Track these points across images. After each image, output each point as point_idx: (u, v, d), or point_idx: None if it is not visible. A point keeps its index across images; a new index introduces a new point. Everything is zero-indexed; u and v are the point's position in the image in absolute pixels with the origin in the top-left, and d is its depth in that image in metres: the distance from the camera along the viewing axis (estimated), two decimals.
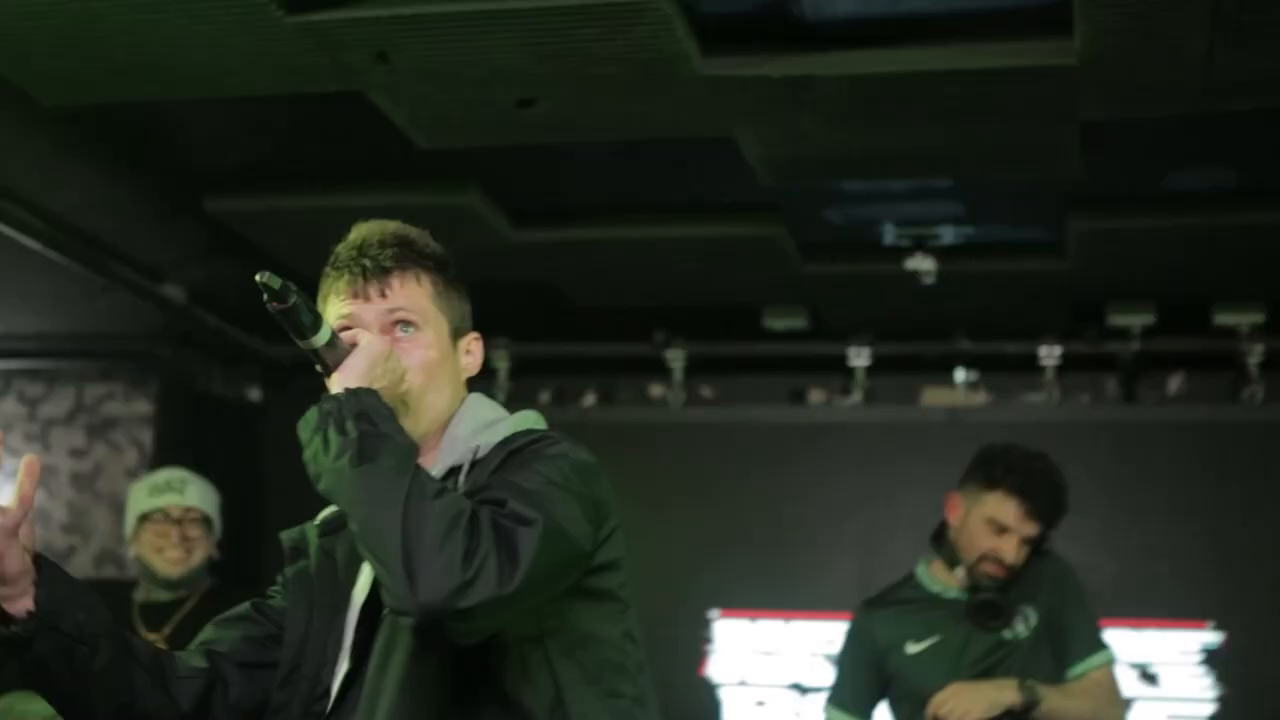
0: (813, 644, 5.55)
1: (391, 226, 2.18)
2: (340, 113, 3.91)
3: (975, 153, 4.02)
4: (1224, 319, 5.33)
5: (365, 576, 2.11)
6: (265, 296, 1.98)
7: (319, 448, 1.92)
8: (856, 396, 5.81)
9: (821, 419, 5.92)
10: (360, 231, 2.17)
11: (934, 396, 5.87)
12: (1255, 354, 5.41)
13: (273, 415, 6.17)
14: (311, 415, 1.97)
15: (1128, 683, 5.14)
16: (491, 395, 6.82)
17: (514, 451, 2.04)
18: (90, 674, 2.03)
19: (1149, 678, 5.39)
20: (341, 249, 2.16)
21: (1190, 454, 5.52)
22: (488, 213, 4.57)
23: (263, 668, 2.19)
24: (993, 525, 3.70)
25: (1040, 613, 3.77)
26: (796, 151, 4.03)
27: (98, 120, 4.07)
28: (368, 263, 2.11)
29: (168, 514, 4.01)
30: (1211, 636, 5.39)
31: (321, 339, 2.02)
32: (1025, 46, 3.40)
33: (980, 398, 5.86)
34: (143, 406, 6.29)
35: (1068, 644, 3.77)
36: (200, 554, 4.05)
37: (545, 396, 5.98)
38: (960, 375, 5.87)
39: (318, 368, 2.09)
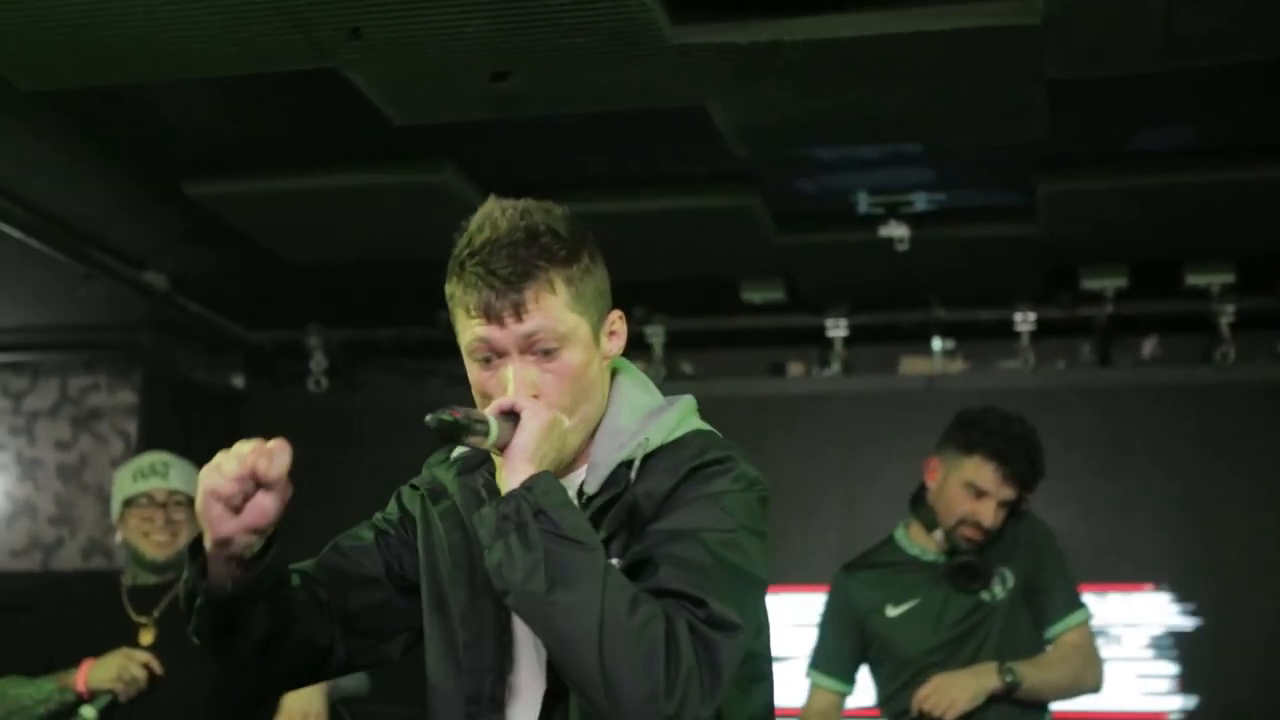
0: (794, 616, 5.58)
1: (518, 222, 1.98)
2: (315, 92, 3.93)
3: (944, 114, 4.06)
4: (1195, 279, 5.37)
5: None
6: (437, 437, 1.91)
7: (503, 559, 1.85)
8: (835, 368, 5.86)
9: (801, 391, 5.97)
10: (484, 228, 1.99)
11: (912, 366, 5.93)
12: (1226, 314, 5.46)
13: (256, 401, 6.20)
14: (488, 517, 1.90)
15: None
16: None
17: (694, 470, 1.97)
18: (291, 615, 2.07)
19: (1118, 639, 5.45)
20: (466, 254, 1.98)
21: (1165, 416, 5.58)
22: (463, 190, 4.60)
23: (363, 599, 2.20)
24: (970, 489, 3.74)
25: (1017, 574, 3.80)
26: (768, 119, 4.06)
27: (74, 106, 4.09)
28: (498, 284, 1.95)
29: (152, 497, 4.02)
30: (1185, 598, 5.44)
31: (492, 439, 1.93)
32: (990, 6, 3.44)
33: (957, 366, 5.92)
34: (126, 397, 6.31)
35: (1045, 605, 3.82)
36: (186, 536, 4.03)
37: None
38: (937, 344, 5.93)
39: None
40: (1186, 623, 5.45)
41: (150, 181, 4.70)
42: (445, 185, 4.54)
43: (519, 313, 1.96)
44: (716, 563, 1.89)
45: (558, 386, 1.99)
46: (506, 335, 1.97)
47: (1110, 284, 5.43)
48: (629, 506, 1.98)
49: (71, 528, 6.34)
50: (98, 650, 3.81)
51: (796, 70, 3.72)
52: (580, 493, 2.01)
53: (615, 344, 2.09)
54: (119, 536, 4.19)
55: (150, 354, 5.92)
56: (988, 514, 3.74)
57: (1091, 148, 4.54)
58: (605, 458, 2.02)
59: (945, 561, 3.81)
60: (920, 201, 4.94)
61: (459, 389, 2.05)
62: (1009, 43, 3.55)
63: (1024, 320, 5.66)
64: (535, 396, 1.97)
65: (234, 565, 1.96)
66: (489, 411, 1.95)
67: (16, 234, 4.65)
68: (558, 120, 4.22)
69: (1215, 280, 5.37)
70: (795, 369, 6.07)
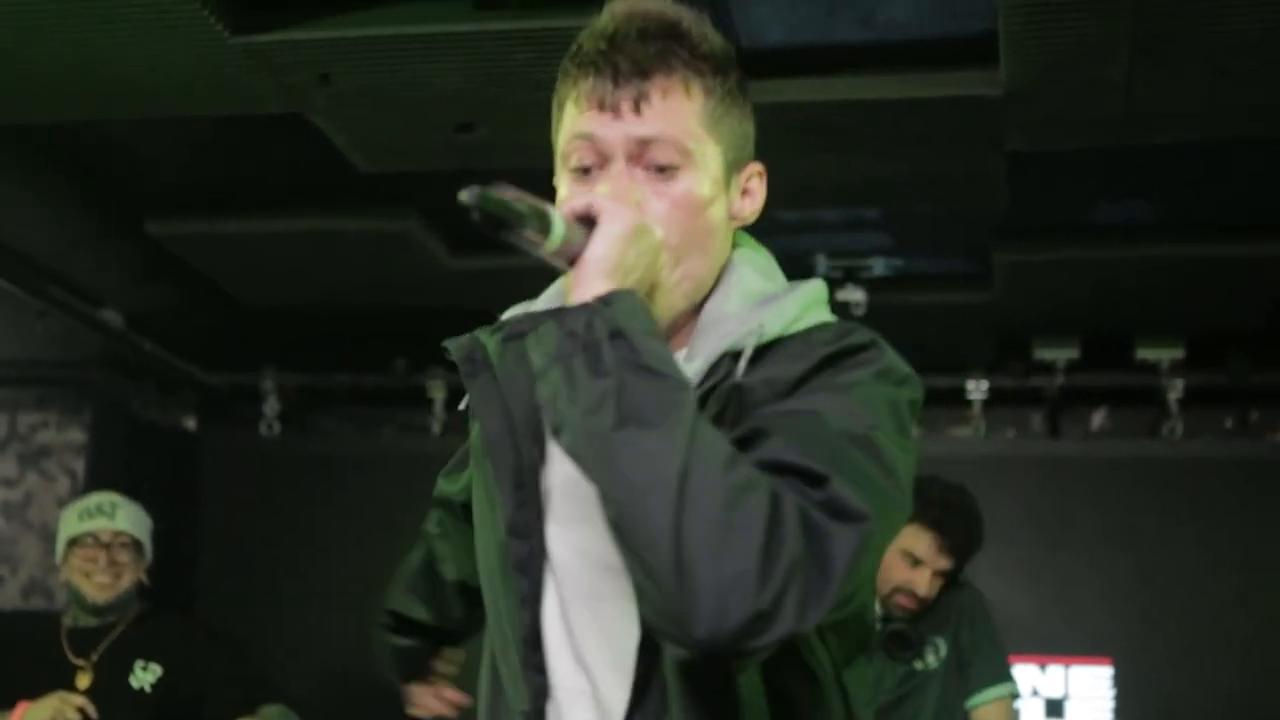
0: None
1: (656, 7, 1.62)
2: (282, 135, 3.94)
3: (905, 181, 4.11)
4: (1145, 354, 5.42)
5: None
6: (479, 219, 1.48)
7: (560, 387, 1.42)
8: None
9: None
10: (615, 11, 1.62)
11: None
12: (1175, 389, 5.48)
13: (207, 443, 6.16)
14: (548, 334, 1.46)
15: (1036, 717, 5.22)
16: (427, 427, 6.73)
17: (830, 358, 1.53)
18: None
19: (1057, 710, 5.45)
20: (587, 37, 1.62)
21: (1113, 489, 5.61)
22: (426, 239, 4.61)
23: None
24: (907, 558, 3.74)
25: (949, 643, 3.81)
26: None
27: (38, 139, 4.09)
28: (622, 62, 1.57)
29: (97, 538, 3.98)
30: (1130, 671, 5.45)
31: (557, 241, 1.50)
32: (952, 76, 3.50)
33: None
34: (76, 435, 6.25)
35: (970, 674, 3.82)
36: (129, 579, 4.00)
37: None
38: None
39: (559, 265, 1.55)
40: (1130, 696, 5.45)
41: (111, 219, 4.69)
42: (408, 233, 4.55)
43: (638, 106, 1.57)
44: (847, 444, 1.44)
45: (668, 217, 1.58)
46: (617, 132, 1.58)
47: (1062, 355, 5.47)
48: (735, 389, 1.54)
49: (13, 566, 6.26)
50: (34, 692, 3.77)
51: (760, 133, 3.75)
52: None
53: (749, 204, 1.71)
54: (62, 576, 4.15)
55: (102, 392, 5.88)
56: (923, 583, 3.75)
57: (1049, 219, 4.59)
58: (705, 348, 1.58)
59: (879, 630, 3.83)
60: (878, 266, 4.98)
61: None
62: (971, 113, 3.61)
63: (976, 388, 5.67)
64: None
65: None
66: (560, 211, 1.53)
67: None
68: (524, 172, 4.23)
69: (1165, 355, 5.41)
70: None
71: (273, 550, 5.81)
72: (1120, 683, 5.43)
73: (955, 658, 3.81)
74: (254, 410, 6.04)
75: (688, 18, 1.62)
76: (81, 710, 3.75)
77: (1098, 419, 5.97)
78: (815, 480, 1.39)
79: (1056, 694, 5.45)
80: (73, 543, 4.01)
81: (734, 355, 1.55)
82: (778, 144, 3.81)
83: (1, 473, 6.30)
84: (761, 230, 1.74)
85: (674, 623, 1.34)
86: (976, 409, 5.70)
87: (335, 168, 4.03)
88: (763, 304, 1.61)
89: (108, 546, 3.97)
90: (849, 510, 1.38)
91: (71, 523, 4.06)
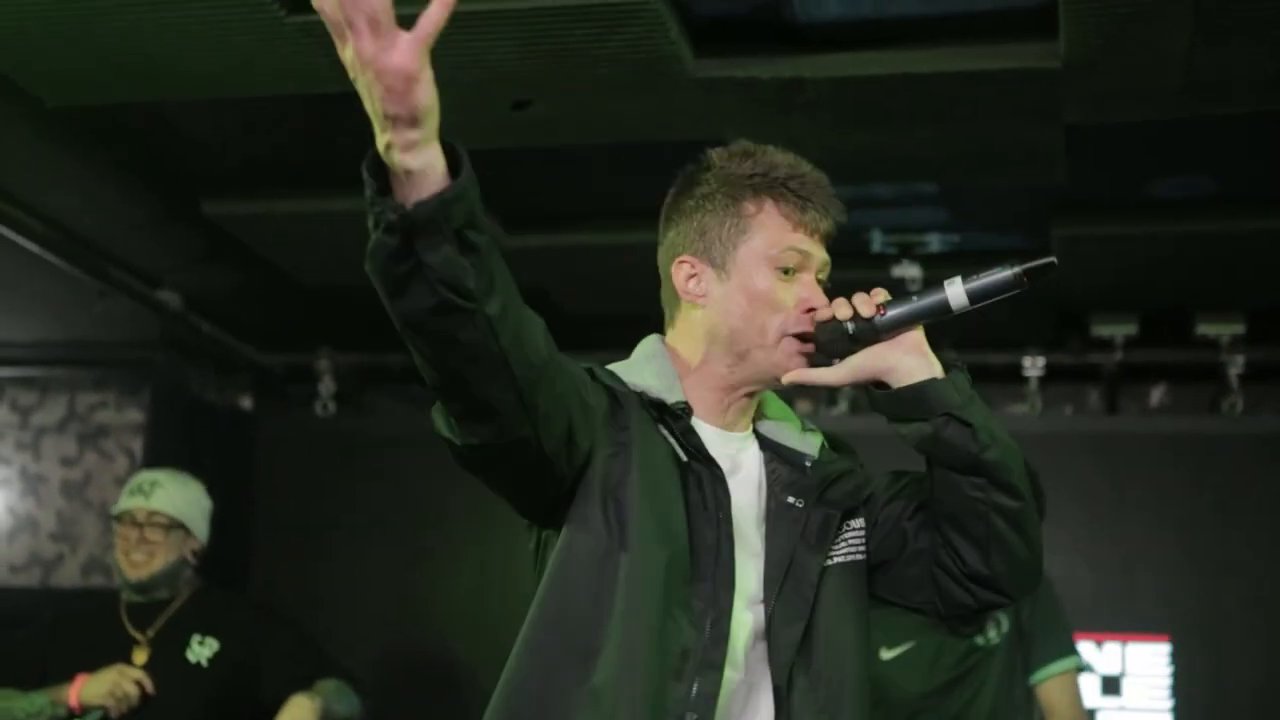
0: None
1: (819, 173, 2.12)
2: (338, 115, 3.94)
3: (961, 155, 4.09)
4: (1205, 329, 5.38)
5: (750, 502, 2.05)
6: (1020, 280, 2.01)
7: (988, 420, 2.01)
8: (843, 407, 5.85)
9: None
10: (780, 161, 2.09)
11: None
12: (1235, 365, 5.44)
13: (264, 423, 6.20)
14: (951, 389, 2.00)
15: (1093, 693, 5.19)
16: None
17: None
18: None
19: (1114, 687, 5.42)
20: (780, 174, 2.08)
21: (1171, 466, 5.55)
22: None
23: None
24: None
25: (1011, 619, 3.79)
26: None
27: (97, 122, 4.12)
28: (825, 205, 2.08)
29: (133, 517, 4.00)
30: (1187, 649, 5.41)
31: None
32: (1011, 49, 3.48)
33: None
34: (134, 415, 6.33)
35: (1034, 649, 3.81)
36: (163, 558, 3.98)
37: None
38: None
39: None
40: (1188, 674, 5.42)
41: (169, 199, 4.72)
42: None
43: (826, 240, 2.09)
44: None
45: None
46: (817, 254, 2.08)
47: (1120, 331, 5.43)
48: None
49: (72, 544, 6.35)
50: (93, 666, 3.81)
51: (816, 107, 3.74)
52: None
53: None
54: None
55: (160, 373, 5.93)
56: None
57: (1107, 193, 4.55)
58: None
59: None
60: (934, 242, 4.95)
61: None
62: (1029, 86, 3.58)
63: (1033, 365, 5.63)
64: None
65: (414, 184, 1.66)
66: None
67: (33, 248, 4.67)
68: (578, 150, 4.24)
69: (1225, 331, 5.37)
70: (803, 407, 6.07)
71: (327, 529, 5.85)
72: (1178, 660, 5.39)
73: (1016, 633, 3.79)
74: (310, 390, 6.08)
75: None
76: (139, 683, 3.79)
77: (1156, 395, 5.93)
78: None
79: (1114, 671, 5.41)
80: (116, 519, 4.05)
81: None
82: (834, 119, 3.83)
83: (61, 452, 6.39)
84: None
85: (1026, 584, 2.10)
86: (1033, 385, 5.66)
87: None
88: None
89: (141, 526, 3.99)
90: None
91: (119, 501, 4.10)
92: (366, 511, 5.84)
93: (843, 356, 2.02)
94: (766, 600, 1.98)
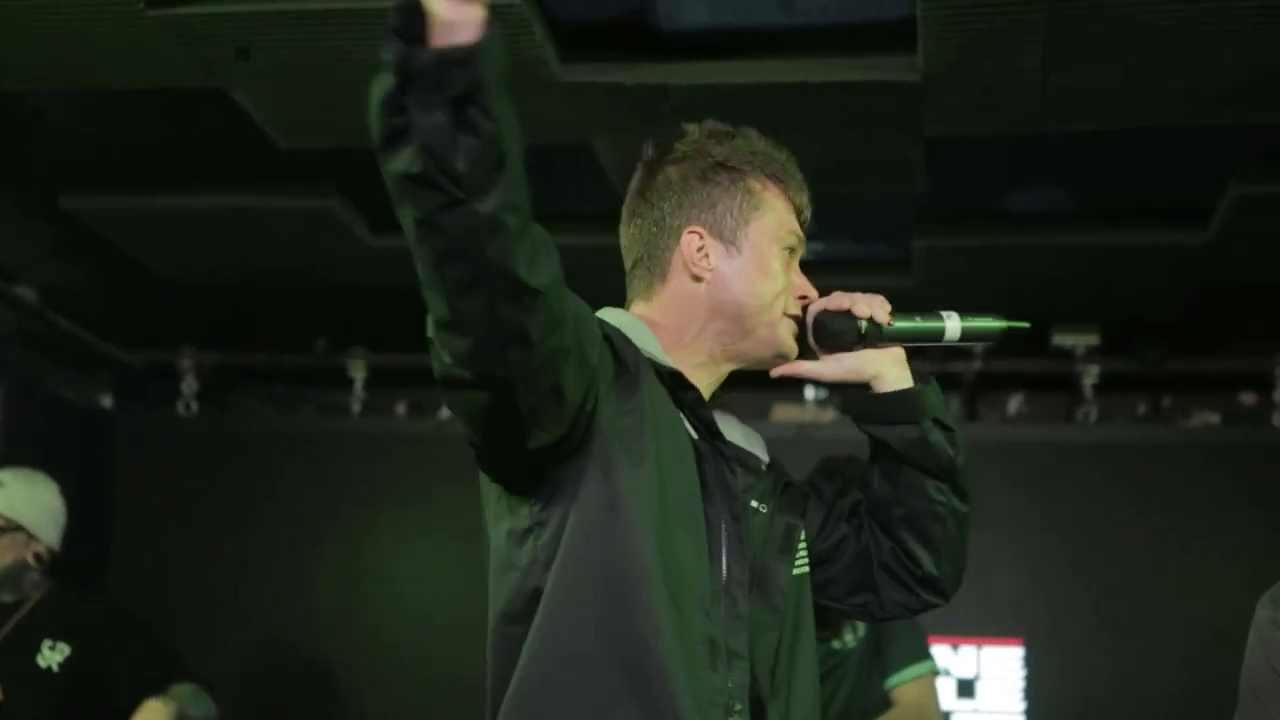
0: None
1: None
2: (201, 110, 3.91)
3: (825, 165, 4.12)
4: (1061, 340, 5.49)
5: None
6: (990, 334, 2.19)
7: (950, 442, 2.11)
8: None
9: None
10: (769, 145, 2.15)
11: (783, 413, 5.98)
12: (1090, 375, 5.57)
13: (125, 422, 6.09)
14: (935, 396, 2.12)
15: (948, 696, 5.28)
16: (347, 407, 6.68)
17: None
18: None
19: (968, 690, 5.51)
20: (781, 156, 2.14)
21: (1026, 473, 5.65)
22: (347, 218, 4.59)
23: None
24: None
25: (868, 623, 3.82)
26: None
27: None
28: (808, 194, 2.15)
29: None
30: (1041, 652, 5.51)
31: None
32: (872, 61, 3.53)
33: (829, 415, 5.97)
34: None
35: (888, 654, 3.85)
36: (0, 561, 3.94)
37: (402, 408, 5.99)
38: (810, 393, 5.98)
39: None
40: (1041, 677, 5.52)
41: (24, 192, 4.63)
42: (329, 211, 4.52)
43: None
44: None
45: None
46: (802, 240, 2.14)
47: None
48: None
49: None
50: None
51: (682, 114, 3.74)
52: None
53: None
54: None
55: (16, 370, 5.80)
56: None
57: (967, 205, 4.63)
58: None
59: None
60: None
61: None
62: (890, 98, 3.64)
63: None
64: None
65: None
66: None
67: None
68: None
69: (1080, 341, 5.49)
70: (801, 411, 6.08)
71: (189, 530, 5.77)
72: (1031, 664, 5.50)
73: (872, 637, 3.83)
74: (172, 389, 5.99)
75: None
76: None
77: (1014, 404, 6.03)
78: None
79: (969, 674, 5.51)
80: None
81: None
82: None
83: None
84: None
85: (961, 577, 2.25)
86: None
87: (255, 144, 4.00)
88: None
89: None
90: None
91: None
92: (229, 512, 5.77)
93: (835, 351, 2.10)
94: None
